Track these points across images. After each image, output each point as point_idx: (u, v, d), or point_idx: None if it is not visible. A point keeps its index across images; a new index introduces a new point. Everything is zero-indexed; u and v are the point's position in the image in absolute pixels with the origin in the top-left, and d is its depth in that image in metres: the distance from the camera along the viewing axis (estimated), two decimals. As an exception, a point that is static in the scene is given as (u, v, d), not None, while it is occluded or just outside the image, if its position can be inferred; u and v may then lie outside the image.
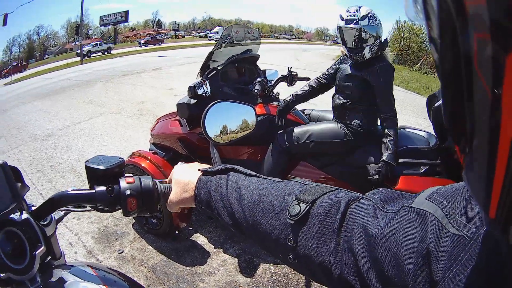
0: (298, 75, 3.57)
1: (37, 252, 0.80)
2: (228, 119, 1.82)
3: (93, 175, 0.89)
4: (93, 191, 0.87)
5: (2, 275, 0.75)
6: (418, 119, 8.08)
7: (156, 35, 54.65)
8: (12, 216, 0.80)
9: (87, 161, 0.91)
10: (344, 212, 0.64)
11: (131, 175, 0.92)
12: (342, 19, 2.80)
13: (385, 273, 0.53)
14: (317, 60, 21.39)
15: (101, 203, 0.87)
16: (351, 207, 0.64)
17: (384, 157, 2.61)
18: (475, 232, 0.46)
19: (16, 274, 0.77)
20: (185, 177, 0.89)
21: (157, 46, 41.76)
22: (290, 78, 3.50)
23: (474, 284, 0.43)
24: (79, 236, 3.52)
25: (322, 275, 0.66)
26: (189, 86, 3.12)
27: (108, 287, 0.91)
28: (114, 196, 0.87)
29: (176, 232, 3.44)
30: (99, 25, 64.74)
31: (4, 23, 33.71)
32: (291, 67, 3.53)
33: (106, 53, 40.16)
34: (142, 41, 45.99)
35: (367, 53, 2.80)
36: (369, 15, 2.76)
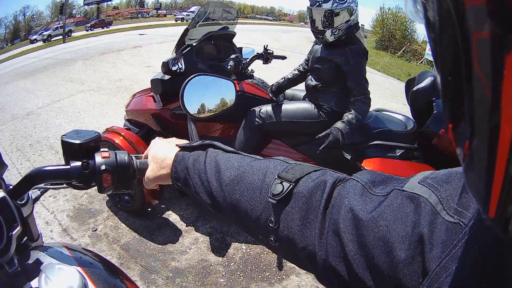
0: (274, 54, 3.54)
1: (13, 233, 0.77)
2: (207, 93, 1.79)
3: (69, 149, 0.86)
4: (68, 166, 0.84)
5: None
6: (397, 104, 8.16)
7: (106, 17, 53.81)
8: None
9: (63, 135, 0.87)
10: (330, 193, 0.61)
11: (106, 149, 0.89)
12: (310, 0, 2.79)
13: (374, 260, 0.50)
14: (297, 42, 21.31)
15: (76, 179, 0.85)
16: (338, 188, 0.61)
17: (336, 124, 2.63)
18: (471, 219, 0.43)
19: None
20: (162, 152, 0.85)
21: (105, 29, 40.26)
22: (266, 56, 3.47)
23: (469, 277, 0.40)
24: (55, 215, 3.50)
25: (305, 259, 0.62)
26: (163, 62, 3.09)
27: (84, 268, 0.88)
28: (89, 171, 0.84)
29: (149, 209, 3.44)
30: (83, 4, 64.37)
31: None
32: (267, 45, 3.49)
33: (66, 36, 37.85)
34: (89, 25, 44.27)
35: (329, 36, 2.78)
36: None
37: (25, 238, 0.88)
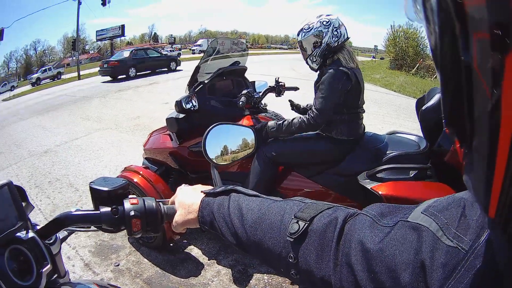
0: (286, 85, 3.57)
1: (43, 270, 0.82)
2: (228, 141, 1.84)
3: (98, 196, 0.91)
4: (98, 212, 0.90)
5: None
6: (415, 124, 8.05)
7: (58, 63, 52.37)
8: (18, 234, 0.82)
9: (91, 182, 0.93)
10: (341, 228, 0.65)
11: (135, 196, 0.95)
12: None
13: (383, 285, 0.54)
14: (314, 71, 21.22)
15: (106, 224, 0.90)
16: (349, 223, 0.66)
17: (270, 122, 2.90)
18: (471, 244, 0.46)
19: None
20: (188, 199, 0.92)
21: (56, 80, 36.51)
22: (278, 88, 3.52)
23: None
24: (76, 250, 3.56)
25: None
26: (176, 101, 3.15)
27: None
28: (119, 217, 0.89)
29: (171, 244, 3.48)
30: (95, 40, 64.40)
31: (1, 38, 33.34)
32: (278, 78, 3.54)
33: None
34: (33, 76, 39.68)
35: (311, 64, 2.91)
36: (302, 29, 2.85)
37: (55, 275, 0.92)
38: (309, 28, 2.80)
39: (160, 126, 3.90)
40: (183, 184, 1.01)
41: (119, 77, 21.34)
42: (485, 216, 0.32)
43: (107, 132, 8.59)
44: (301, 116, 2.79)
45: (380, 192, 2.36)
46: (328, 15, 2.81)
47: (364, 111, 2.95)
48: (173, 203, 0.98)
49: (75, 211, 0.91)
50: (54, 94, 19.03)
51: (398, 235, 0.55)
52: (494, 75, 0.27)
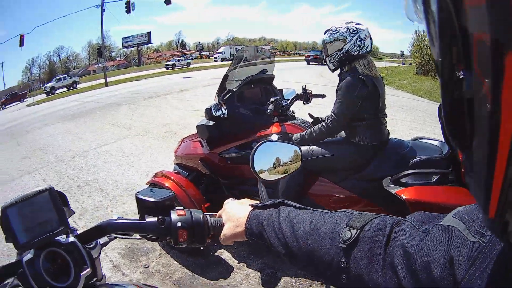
0: (313, 93, 3.64)
1: (82, 273, 0.83)
2: (275, 158, 1.92)
3: (144, 206, 0.95)
4: (143, 221, 0.93)
5: None
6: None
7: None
8: (57, 238, 0.85)
9: (138, 192, 0.96)
10: (389, 234, 0.71)
11: (182, 208, 0.98)
12: None
13: (420, 281, 0.60)
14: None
15: (152, 233, 0.93)
16: (395, 229, 0.71)
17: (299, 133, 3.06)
18: (490, 236, 0.51)
19: None
20: (236, 213, 0.96)
21: (71, 89, 37.50)
22: (305, 96, 3.59)
23: (489, 283, 0.49)
24: (106, 252, 3.64)
25: None
26: (206, 109, 3.23)
27: None
28: (165, 227, 0.92)
29: (201, 248, 3.52)
30: (121, 47, 65.17)
31: (21, 44, 33.37)
32: (305, 85, 3.60)
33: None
34: (48, 85, 39.67)
35: (329, 63, 3.01)
36: (329, 29, 2.92)
37: (94, 279, 0.93)
38: (336, 31, 2.89)
39: (190, 133, 3.98)
40: (230, 198, 1.06)
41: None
42: (485, 216, 0.33)
43: (137, 138, 8.66)
44: (322, 123, 2.90)
45: (403, 197, 2.38)
46: (358, 24, 2.87)
47: (386, 116, 2.99)
48: (220, 216, 1.02)
49: (117, 219, 0.95)
50: (81, 100, 19.26)
51: (433, 237, 0.61)
52: (494, 75, 0.27)
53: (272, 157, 1.80)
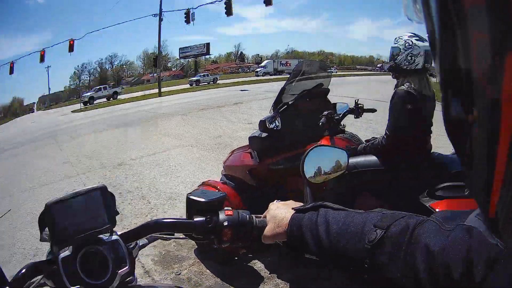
0: (365, 107, 3.62)
1: (120, 271, 0.85)
2: (323, 161, 1.95)
3: (194, 206, 0.97)
4: (191, 220, 0.95)
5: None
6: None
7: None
8: (100, 236, 0.86)
9: (189, 193, 0.99)
10: (411, 234, 0.71)
11: (230, 208, 0.99)
12: None
13: (439, 282, 0.61)
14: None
15: (198, 232, 0.95)
16: (418, 229, 0.71)
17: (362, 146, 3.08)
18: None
19: None
20: (280, 214, 0.97)
21: (111, 100, 37.62)
22: (357, 110, 3.57)
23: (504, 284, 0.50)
24: (138, 258, 3.64)
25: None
26: (260, 120, 3.28)
27: None
28: (211, 226, 0.94)
29: (235, 258, 3.56)
30: (178, 57, 65.47)
31: (71, 49, 32.93)
32: (357, 100, 3.60)
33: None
34: (86, 95, 39.54)
35: (388, 68, 3.09)
36: (396, 38, 2.98)
37: (130, 277, 0.94)
38: (397, 41, 2.92)
39: (241, 145, 3.99)
40: (276, 200, 1.07)
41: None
42: (485, 216, 0.33)
43: (187, 149, 8.71)
44: (378, 139, 2.94)
45: (436, 210, 2.42)
46: (419, 40, 2.85)
47: (431, 132, 3.03)
48: (265, 217, 1.02)
49: (163, 218, 0.97)
50: (133, 109, 19.80)
51: (455, 237, 0.63)
52: (494, 75, 0.27)
53: (321, 161, 1.82)
